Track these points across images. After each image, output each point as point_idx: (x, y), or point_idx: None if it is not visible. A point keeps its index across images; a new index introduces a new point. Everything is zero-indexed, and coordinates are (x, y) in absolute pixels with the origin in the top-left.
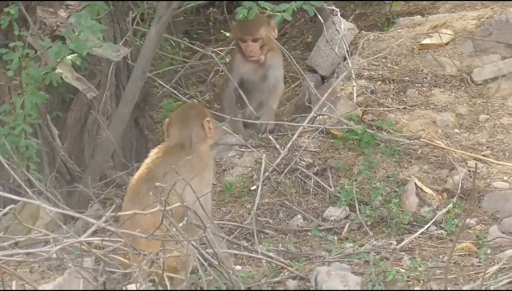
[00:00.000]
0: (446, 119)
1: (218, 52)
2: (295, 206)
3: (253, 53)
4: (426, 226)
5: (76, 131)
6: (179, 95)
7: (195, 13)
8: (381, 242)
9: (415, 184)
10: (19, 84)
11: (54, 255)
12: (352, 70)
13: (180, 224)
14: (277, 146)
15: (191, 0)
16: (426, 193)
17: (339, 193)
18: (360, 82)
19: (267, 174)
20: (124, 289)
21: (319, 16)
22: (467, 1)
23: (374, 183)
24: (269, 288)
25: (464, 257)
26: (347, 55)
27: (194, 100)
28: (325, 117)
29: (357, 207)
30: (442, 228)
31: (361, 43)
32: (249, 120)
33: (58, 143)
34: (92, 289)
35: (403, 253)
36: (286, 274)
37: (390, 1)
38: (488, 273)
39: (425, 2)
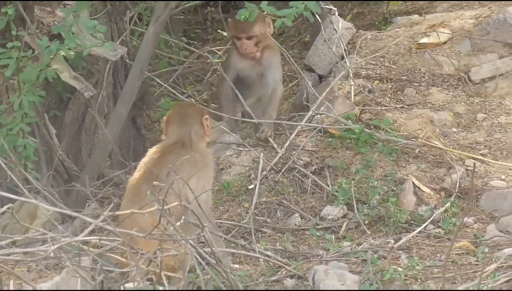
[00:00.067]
0: (443, 119)
1: (215, 51)
2: (293, 205)
3: (248, 50)
4: (424, 225)
5: (74, 130)
6: (177, 94)
7: (192, 12)
8: (378, 240)
9: (413, 182)
10: (16, 84)
11: (52, 254)
12: (349, 70)
13: (178, 223)
14: (275, 145)
15: (189, 0)
16: (424, 191)
17: (337, 191)
18: (358, 81)
19: (264, 173)
20: (121, 288)
21: (316, 15)
22: (464, 1)
23: (372, 182)
24: (267, 287)
25: (461, 255)
26: (344, 55)
27: (192, 99)
28: (323, 117)
29: (354, 205)
30: (439, 227)
31: (358, 42)
32: (247, 119)
33: (56, 142)
34: (89, 288)
35: (401, 252)
36: (283, 273)
37: (388, 1)
38: (485, 272)
39: (422, 2)
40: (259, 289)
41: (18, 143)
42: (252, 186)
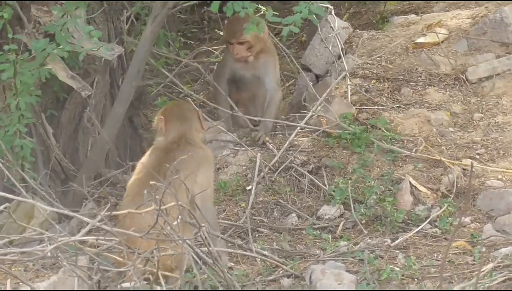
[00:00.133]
0: (440, 118)
1: (213, 50)
2: (290, 204)
3: (239, 55)
4: (421, 225)
5: (71, 130)
6: (174, 93)
7: (189, 12)
8: (375, 240)
9: (410, 182)
10: (13, 85)
11: (49, 254)
12: (347, 69)
13: (175, 222)
14: (271, 147)
15: (186, 0)
16: (421, 191)
17: (334, 191)
18: (355, 81)
19: (262, 174)
20: (118, 287)
21: (313, 14)
22: (461, 0)
23: (369, 182)
24: (264, 287)
25: (458, 255)
26: (341, 54)
27: (189, 99)
28: (320, 117)
29: (351, 205)
30: (436, 227)
31: (355, 42)
32: (246, 116)
33: (53, 142)
34: (86, 287)
35: (398, 251)
36: (280, 272)
37: (385, 0)
38: (482, 271)
39: (419, 1)
40: (256, 288)
41: (15, 143)
42: (250, 187)
